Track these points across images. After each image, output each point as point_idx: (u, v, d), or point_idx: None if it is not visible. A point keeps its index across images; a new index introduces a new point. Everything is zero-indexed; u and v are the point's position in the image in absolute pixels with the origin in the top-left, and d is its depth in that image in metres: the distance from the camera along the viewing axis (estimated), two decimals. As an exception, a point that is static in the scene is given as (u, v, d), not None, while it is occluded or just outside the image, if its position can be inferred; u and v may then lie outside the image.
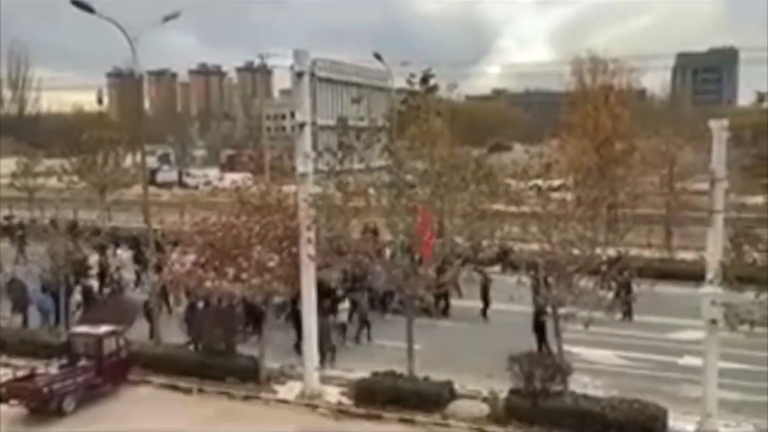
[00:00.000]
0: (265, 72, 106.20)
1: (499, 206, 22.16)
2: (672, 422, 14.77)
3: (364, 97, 22.36)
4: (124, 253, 31.85)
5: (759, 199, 14.40)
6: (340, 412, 16.67)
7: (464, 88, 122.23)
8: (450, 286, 24.21)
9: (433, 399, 16.35)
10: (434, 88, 17.77)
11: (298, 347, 20.09)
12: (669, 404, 15.19)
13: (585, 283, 16.19)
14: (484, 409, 16.05)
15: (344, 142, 17.05)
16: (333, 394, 17.45)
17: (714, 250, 14.59)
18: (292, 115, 18.63)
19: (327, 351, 19.44)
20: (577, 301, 16.45)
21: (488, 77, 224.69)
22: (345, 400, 17.16)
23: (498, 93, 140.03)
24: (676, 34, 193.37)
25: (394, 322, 22.15)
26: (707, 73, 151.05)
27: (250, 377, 18.27)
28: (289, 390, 17.92)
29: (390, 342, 20.08)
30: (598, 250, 17.04)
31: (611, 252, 22.07)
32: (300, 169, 17.40)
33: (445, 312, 24.09)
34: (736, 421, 14.98)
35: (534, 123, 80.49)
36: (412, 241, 16.59)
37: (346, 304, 22.02)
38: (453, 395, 16.74)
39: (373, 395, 16.71)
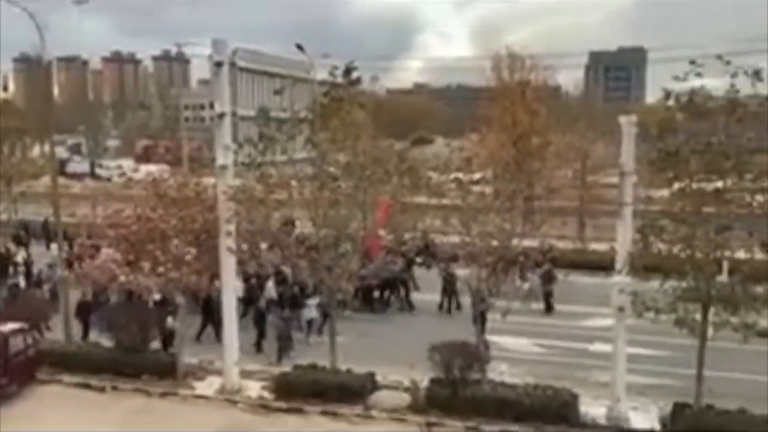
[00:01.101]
0: (183, 61, 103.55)
1: (421, 199, 22.45)
2: (583, 407, 15.38)
3: (286, 88, 22.07)
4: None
5: (664, 192, 15.09)
6: (260, 407, 16.51)
7: (386, 81, 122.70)
8: (402, 279, 24.55)
9: (355, 391, 16.43)
10: (357, 80, 17.70)
11: (258, 345, 20.08)
12: (581, 389, 15.81)
13: (509, 274, 16.69)
14: (406, 399, 16.27)
15: (265, 133, 16.81)
16: (254, 389, 17.27)
17: (623, 241, 15.27)
18: (212, 105, 18.25)
19: (283, 346, 19.27)
20: (496, 292, 16.91)
21: (410, 71, 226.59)
22: (266, 394, 17.01)
23: (419, 87, 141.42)
24: (589, 33, 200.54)
25: (364, 317, 22.72)
26: (618, 71, 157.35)
27: (167, 374, 17.85)
28: (208, 385, 17.61)
29: (357, 337, 20.04)
30: (515, 242, 17.53)
31: (532, 243, 22.75)
32: (220, 160, 17.07)
33: (405, 305, 24.32)
34: (642, 403, 15.74)
35: (455, 117, 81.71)
36: (339, 233, 16.59)
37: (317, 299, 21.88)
38: (375, 386, 16.88)
39: (294, 389, 16.64)
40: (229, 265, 17.19)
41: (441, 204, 19.73)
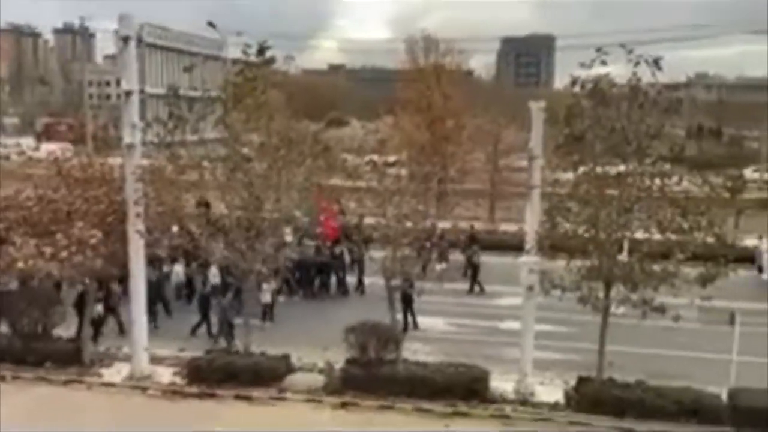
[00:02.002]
0: (87, 35, 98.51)
1: (336, 181, 22.38)
2: (493, 382, 15.86)
3: (197, 66, 21.41)
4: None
5: (570, 176, 15.67)
6: (172, 393, 16.14)
7: (301, 62, 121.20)
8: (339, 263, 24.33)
9: (269, 374, 16.31)
10: (271, 60, 17.33)
11: (194, 330, 19.68)
12: (491, 366, 16.28)
13: (426, 255, 16.97)
14: (321, 380, 16.31)
15: (175, 112, 16.29)
16: (164, 375, 16.86)
17: (531, 222, 15.78)
18: (118, 82, 17.53)
19: (224, 330, 18.86)
20: (409, 272, 17.13)
21: (325, 52, 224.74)
22: (178, 380, 16.64)
23: (335, 68, 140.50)
24: (501, 20, 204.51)
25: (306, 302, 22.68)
26: (528, 57, 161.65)
27: (72, 361, 17.16)
28: (115, 372, 17.06)
29: (313, 322, 19.87)
30: (429, 223, 17.82)
31: (446, 225, 23.12)
32: (127, 140, 16.43)
33: (350, 289, 24.18)
34: (548, 378, 16.40)
35: (371, 99, 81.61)
36: (253, 215, 16.33)
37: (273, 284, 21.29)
38: (290, 369, 16.82)
39: (207, 374, 16.35)
40: (137, 248, 16.63)
41: (356, 186, 19.75)
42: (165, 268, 22.85)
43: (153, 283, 20.55)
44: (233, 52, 37.71)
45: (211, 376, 16.26)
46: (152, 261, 22.39)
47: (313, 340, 18.34)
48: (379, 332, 16.39)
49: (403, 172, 18.68)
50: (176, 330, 19.80)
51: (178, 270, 23.05)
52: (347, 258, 24.87)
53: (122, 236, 16.58)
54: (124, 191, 16.47)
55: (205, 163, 16.51)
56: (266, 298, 20.85)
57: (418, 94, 38.35)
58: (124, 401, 15.81)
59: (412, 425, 14.61)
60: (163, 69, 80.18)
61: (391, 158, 19.40)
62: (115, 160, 18.05)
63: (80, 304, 18.41)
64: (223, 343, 18.60)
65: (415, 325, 20.63)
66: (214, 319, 19.65)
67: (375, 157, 17.86)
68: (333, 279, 24.61)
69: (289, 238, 23.37)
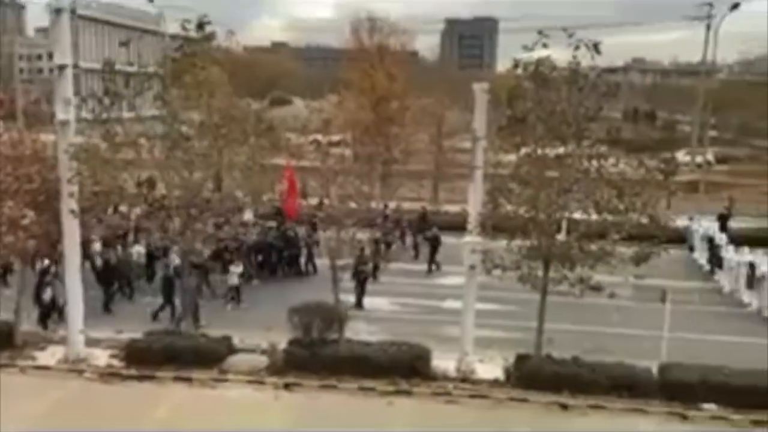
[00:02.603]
0: (17, 7, 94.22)
1: (279, 160, 22.11)
2: (435, 361, 16.08)
3: (134, 40, 20.75)
4: None
5: (512, 157, 15.90)
6: (109, 375, 15.80)
7: (243, 38, 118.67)
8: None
9: (210, 355, 16.15)
10: (211, 35, 16.87)
11: (155, 314, 19.26)
12: (433, 344, 16.50)
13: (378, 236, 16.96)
14: (264, 361, 16.22)
15: (111, 88, 15.77)
16: (101, 357, 16.48)
17: (474, 203, 15.97)
18: (50, 56, 16.83)
19: (188, 312, 18.33)
20: (360, 254, 17.18)
21: (268, 29, 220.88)
22: (115, 362, 16.30)
23: (278, 46, 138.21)
24: (445, 1, 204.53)
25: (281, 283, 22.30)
26: (471, 39, 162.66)
27: (3, 344, 16.59)
28: (50, 355, 16.59)
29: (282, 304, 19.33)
30: (373, 204, 17.86)
31: (391, 205, 23.24)
32: (60, 116, 15.84)
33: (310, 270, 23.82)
34: (489, 356, 16.72)
35: (315, 78, 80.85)
36: (193, 195, 16.01)
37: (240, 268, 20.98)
38: (232, 350, 16.68)
39: (146, 356, 16.05)
40: (71, 228, 16.12)
41: (300, 166, 19.59)
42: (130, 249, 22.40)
43: (112, 264, 20.04)
44: (172, 27, 36.71)
45: (149, 359, 15.98)
46: (110, 242, 21.84)
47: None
48: (323, 313, 16.39)
49: (348, 152, 18.67)
50: (134, 313, 19.35)
51: (139, 250, 22.51)
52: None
53: (56, 216, 16.05)
54: (58, 169, 15.92)
55: (143, 141, 16.07)
56: (233, 280, 20.58)
57: (363, 74, 38.16)
58: (59, 385, 15.39)
59: (355, 404, 14.71)
60: (98, 43, 77.48)
61: (335, 138, 19.30)
62: (47, 137, 17.38)
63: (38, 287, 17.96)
64: (185, 326, 18.24)
65: (359, 304, 20.72)
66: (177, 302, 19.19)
67: (319, 137, 17.73)
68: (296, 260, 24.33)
69: (248, 215, 23.12)
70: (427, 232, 25.72)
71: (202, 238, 16.24)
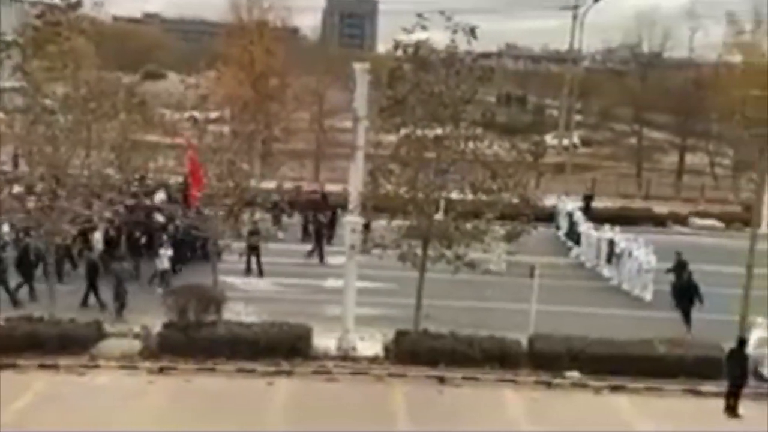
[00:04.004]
0: None
1: (153, 137, 21.22)
2: (316, 340, 16.16)
3: (-11, 4, 19.11)
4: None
5: (392, 138, 16.15)
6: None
7: (112, 8, 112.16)
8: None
9: (79, 341, 15.40)
10: (77, 3, 15.81)
11: (85, 300, 17.97)
12: (314, 324, 16.56)
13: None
14: (137, 345, 15.65)
15: (-38, 56, 14.52)
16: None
17: (355, 183, 16.09)
18: None
19: (120, 298, 17.46)
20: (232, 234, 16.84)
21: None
22: (-28, 351, 15.14)
23: (150, 17, 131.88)
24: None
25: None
26: (352, 19, 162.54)
27: None
28: None
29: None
30: (253, 183, 17.57)
31: (270, 185, 22.81)
32: None
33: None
34: (369, 333, 17.00)
35: (190, 52, 77.67)
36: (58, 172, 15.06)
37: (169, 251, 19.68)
38: (102, 335, 15.97)
39: (6, 343, 15.00)
40: None
41: (175, 143, 18.90)
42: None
43: (33, 248, 18.38)
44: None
45: (11, 346, 14.95)
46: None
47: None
48: (200, 294, 16.01)
49: (226, 129, 18.17)
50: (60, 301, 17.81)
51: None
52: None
53: None
54: None
55: (0, 115, 14.92)
56: (163, 264, 19.62)
57: (241, 49, 37.21)
58: None
59: (234, 386, 14.52)
60: (-54, 5, 70.63)
61: (213, 115, 18.73)
62: None
63: None
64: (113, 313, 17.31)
65: (261, 273, 21.00)
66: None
67: (195, 113, 17.16)
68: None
69: (161, 196, 21.98)
70: (322, 215, 25.46)
71: (68, 218, 15.34)
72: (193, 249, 22.10)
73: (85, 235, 19.64)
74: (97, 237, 20.17)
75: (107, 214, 16.55)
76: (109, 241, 20.23)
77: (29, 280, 18.27)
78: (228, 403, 13.76)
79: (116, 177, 17.04)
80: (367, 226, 17.02)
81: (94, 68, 17.03)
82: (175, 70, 67.69)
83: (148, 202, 22.83)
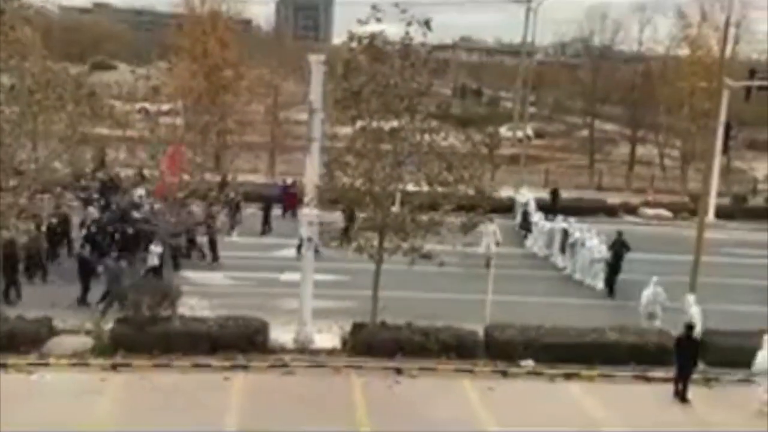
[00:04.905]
0: None
1: (103, 130, 20.72)
2: (273, 333, 16.06)
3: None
4: None
5: (348, 130, 16.10)
6: None
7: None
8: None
9: (28, 338, 14.99)
10: (22, -8, 15.47)
11: (82, 300, 17.62)
12: (271, 317, 16.45)
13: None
14: (88, 342, 15.32)
15: None
16: None
17: (311, 175, 16.01)
18: None
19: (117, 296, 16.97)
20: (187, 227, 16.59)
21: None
22: None
23: (99, 7, 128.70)
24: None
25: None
26: (307, 10, 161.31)
27: None
28: None
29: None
30: (208, 176, 17.32)
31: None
32: None
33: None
34: (326, 325, 16.98)
35: (141, 42, 76.16)
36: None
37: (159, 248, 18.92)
38: (53, 332, 15.59)
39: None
40: None
41: (126, 136, 18.51)
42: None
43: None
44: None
45: (-45, 346, 14.49)
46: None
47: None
48: (154, 289, 15.75)
49: (179, 121, 17.84)
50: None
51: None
52: None
53: None
54: None
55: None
56: (153, 261, 19.11)
57: (194, 40, 36.57)
58: None
59: (189, 381, 14.33)
60: None
61: (165, 107, 18.38)
62: None
63: None
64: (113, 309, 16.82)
65: (215, 258, 21.06)
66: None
67: (147, 105, 16.83)
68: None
69: (140, 192, 21.34)
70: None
71: (17, 212, 14.90)
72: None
73: (65, 233, 19.17)
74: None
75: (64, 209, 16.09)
76: (90, 239, 19.80)
77: None
78: (183, 398, 13.57)
79: (64, 171, 16.58)
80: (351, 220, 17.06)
81: (41, 58, 16.50)
82: (126, 62, 66.34)
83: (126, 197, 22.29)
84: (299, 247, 19.40)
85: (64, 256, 20.93)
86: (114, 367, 14.64)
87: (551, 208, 29.54)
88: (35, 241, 18.58)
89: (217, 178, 19.02)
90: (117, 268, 17.68)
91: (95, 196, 23.00)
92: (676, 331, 15.36)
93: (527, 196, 29.95)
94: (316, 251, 16.71)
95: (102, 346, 15.19)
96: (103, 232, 20.42)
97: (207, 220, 17.99)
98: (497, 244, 21.82)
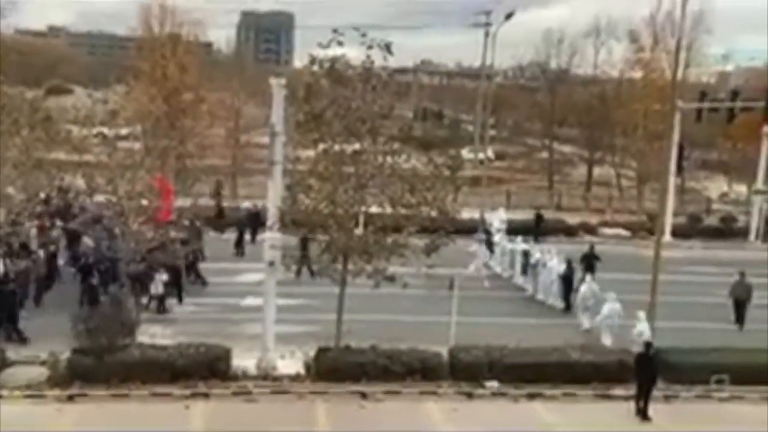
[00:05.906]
0: None
1: (59, 155, 20.32)
2: (236, 360, 15.78)
3: None
4: None
5: (311, 153, 16.07)
6: None
7: (15, 21, 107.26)
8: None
9: (-21, 371, 14.48)
10: (-26, 14, 15.10)
11: None
12: (233, 344, 16.18)
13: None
14: (44, 372, 14.86)
15: None
16: None
17: (273, 199, 15.90)
18: None
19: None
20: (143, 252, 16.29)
21: (43, 11, 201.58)
22: None
23: (55, 30, 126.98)
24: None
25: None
26: (268, 33, 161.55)
27: None
28: None
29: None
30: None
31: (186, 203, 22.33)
32: None
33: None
34: (290, 351, 16.76)
35: (98, 66, 75.29)
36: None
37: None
38: (6, 363, 15.08)
39: None
40: None
41: (83, 161, 18.21)
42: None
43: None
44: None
45: None
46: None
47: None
48: (111, 317, 15.37)
49: (138, 146, 17.64)
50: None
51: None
52: None
53: None
54: None
55: None
56: (158, 289, 18.85)
57: (153, 63, 36.23)
58: None
59: (149, 411, 13.98)
60: None
61: (124, 131, 18.17)
62: None
63: None
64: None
65: (163, 307, 19.78)
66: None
67: (105, 130, 16.59)
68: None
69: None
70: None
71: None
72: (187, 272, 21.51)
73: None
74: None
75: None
76: (85, 269, 19.29)
77: None
78: (142, 429, 13.22)
79: (18, 197, 16.21)
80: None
81: (-6, 82, 16.24)
82: (83, 85, 65.36)
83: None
84: (299, 271, 19.11)
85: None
86: (70, 398, 14.22)
87: (535, 231, 29.81)
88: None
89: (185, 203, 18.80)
90: (121, 296, 17.21)
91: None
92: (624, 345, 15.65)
93: (503, 217, 29.82)
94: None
95: (58, 376, 14.76)
96: (101, 261, 19.82)
97: (170, 245, 17.75)
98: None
